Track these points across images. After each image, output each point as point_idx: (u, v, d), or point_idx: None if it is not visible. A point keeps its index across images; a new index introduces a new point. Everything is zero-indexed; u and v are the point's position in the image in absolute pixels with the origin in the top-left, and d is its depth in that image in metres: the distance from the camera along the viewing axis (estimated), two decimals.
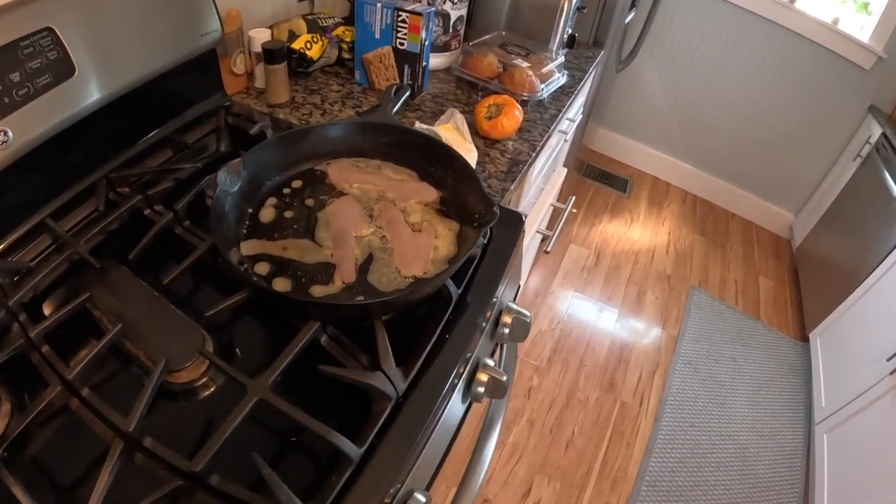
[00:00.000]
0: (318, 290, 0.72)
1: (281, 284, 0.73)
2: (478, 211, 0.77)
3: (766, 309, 2.57)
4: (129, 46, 0.88)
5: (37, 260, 0.83)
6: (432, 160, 0.89)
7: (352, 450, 0.60)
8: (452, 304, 0.75)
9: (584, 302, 2.49)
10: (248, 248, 0.76)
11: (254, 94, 1.22)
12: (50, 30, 0.76)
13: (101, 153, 0.95)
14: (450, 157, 0.86)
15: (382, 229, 0.80)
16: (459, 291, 0.77)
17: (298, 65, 1.25)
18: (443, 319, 0.74)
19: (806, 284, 2.58)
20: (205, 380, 0.70)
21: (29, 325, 0.70)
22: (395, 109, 0.97)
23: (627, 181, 3.16)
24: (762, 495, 1.89)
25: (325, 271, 0.75)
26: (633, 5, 2.13)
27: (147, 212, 0.87)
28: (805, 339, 2.40)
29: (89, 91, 0.84)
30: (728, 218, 3.05)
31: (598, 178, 3.13)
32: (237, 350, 0.74)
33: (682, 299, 2.54)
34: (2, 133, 0.73)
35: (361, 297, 0.71)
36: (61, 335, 0.71)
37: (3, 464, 0.58)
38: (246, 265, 0.74)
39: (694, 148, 3.02)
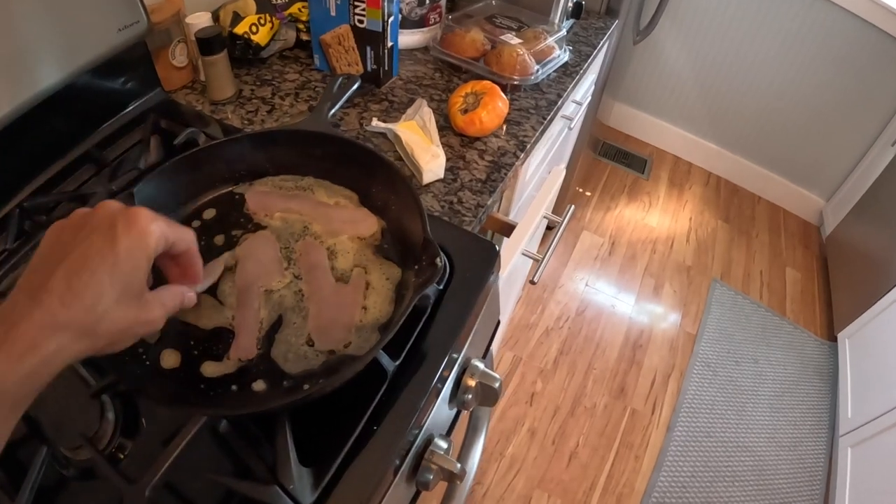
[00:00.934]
0: (209, 369, 0.56)
1: (168, 359, 0.56)
2: (419, 259, 0.59)
3: (793, 304, 2.38)
4: (30, 52, 0.71)
5: None
6: (374, 179, 0.70)
7: None
8: (387, 382, 0.58)
9: (595, 296, 2.31)
10: None
11: (199, 90, 1.04)
12: None
13: (15, 178, 0.81)
14: (392, 175, 0.67)
15: (300, 279, 0.62)
16: (397, 363, 0.59)
17: (244, 53, 1.05)
18: (372, 404, 0.57)
19: (836, 277, 2.38)
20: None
21: None
22: (333, 111, 0.78)
23: (646, 161, 2.94)
24: None
25: (224, 340, 0.58)
26: None
27: None
28: (833, 339, 2.22)
29: None
30: (754, 202, 2.83)
31: (615, 158, 2.92)
32: (143, 420, 0.60)
33: (702, 293, 2.35)
34: None
35: (262, 383, 0.55)
36: None
37: None
38: None
39: (718, 125, 2.80)
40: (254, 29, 1.03)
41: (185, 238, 0.47)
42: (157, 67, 0.97)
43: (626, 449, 1.85)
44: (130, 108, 0.94)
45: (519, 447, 1.81)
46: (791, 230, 2.71)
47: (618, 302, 2.30)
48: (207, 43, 0.93)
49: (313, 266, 0.62)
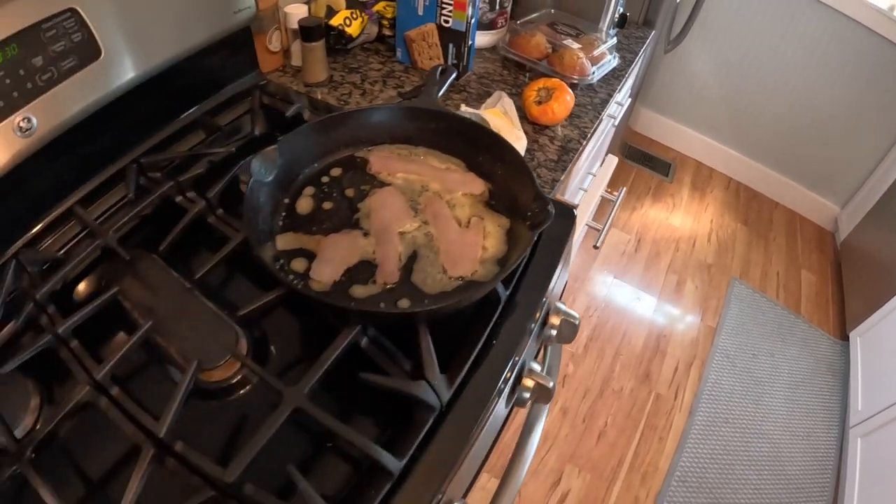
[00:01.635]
0: (358, 291, 0.68)
1: (319, 283, 0.69)
2: (531, 209, 0.72)
3: (808, 305, 2.49)
4: (158, 26, 0.84)
5: (65, 249, 0.82)
6: (480, 149, 0.83)
7: (392, 463, 0.57)
8: (500, 307, 0.71)
9: (622, 289, 2.43)
10: (285, 241, 0.72)
11: (290, 73, 1.18)
12: (73, 10, 0.73)
13: (131, 137, 0.93)
14: (499, 146, 0.81)
15: (428, 224, 0.75)
16: (508, 292, 0.73)
17: (336, 42, 1.19)
18: (490, 322, 0.70)
19: (849, 281, 2.48)
20: (238, 378, 0.67)
21: (57, 318, 0.69)
22: (440, 93, 0.92)
23: (670, 165, 3.06)
24: (792, 497, 1.84)
25: (367, 270, 0.71)
26: None
27: (179, 199, 0.84)
28: (845, 338, 2.32)
29: (117, 73, 0.81)
30: (772, 207, 2.94)
31: (641, 161, 3.04)
32: (272, 348, 0.72)
33: (722, 290, 2.47)
34: (25, 120, 0.71)
35: (406, 301, 0.67)
36: (90, 328, 0.69)
37: (31, 465, 0.57)
38: (282, 261, 0.70)
39: (740, 133, 2.92)
40: (347, 22, 1.17)
41: None
42: (256, 51, 1.10)
43: (651, 430, 1.96)
44: (233, 84, 1.07)
45: (551, 424, 1.92)
46: (807, 235, 2.82)
47: (643, 294, 2.42)
48: (309, 31, 1.07)
49: (437, 214, 0.76)
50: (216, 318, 0.69)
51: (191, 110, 1.00)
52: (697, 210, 2.84)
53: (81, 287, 0.77)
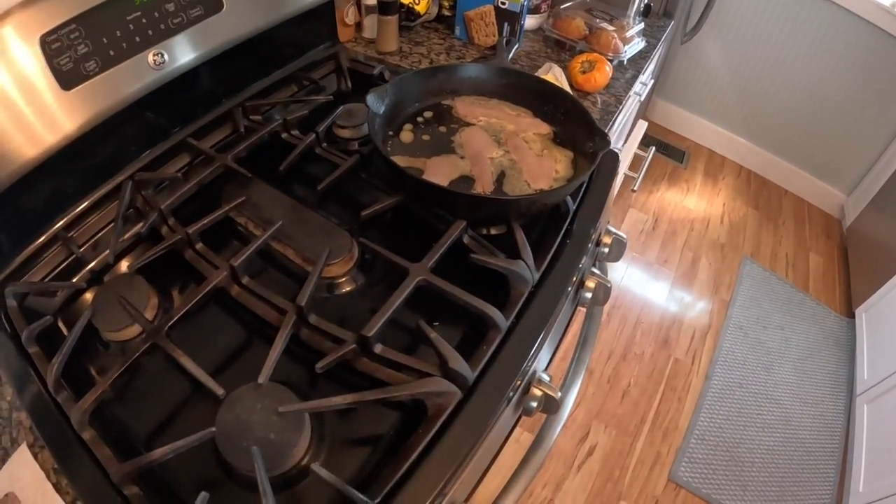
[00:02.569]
0: None
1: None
2: (591, 140, 0.89)
3: (815, 284, 2.60)
4: None
5: (182, 171, 0.95)
6: (545, 100, 1.01)
7: (501, 320, 0.71)
8: (570, 216, 0.88)
9: (641, 264, 2.57)
10: (396, 160, 0.88)
11: (362, 43, 1.36)
12: None
13: (235, 86, 1.08)
14: (562, 97, 0.99)
15: (510, 153, 0.92)
16: (575, 206, 0.90)
17: (406, 18, 1.37)
18: (563, 227, 0.86)
19: (855, 264, 2.58)
20: (346, 278, 0.80)
21: (179, 227, 0.81)
22: (509, 56, 1.09)
23: (684, 153, 3.20)
24: (802, 459, 1.94)
25: (467, 183, 0.87)
26: None
27: (285, 135, 1.00)
28: (851, 316, 2.41)
29: (233, 27, 0.96)
30: (781, 194, 3.07)
31: (656, 148, 3.13)
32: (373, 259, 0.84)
33: (734, 267, 2.60)
34: (159, 55, 0.83)
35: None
36: (210, 237, 0.81)
37: (168, 338, 0.67)
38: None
39: (750, 123, 3.04)
40: (416, 1, 1.35)
41: None
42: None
43: (671, 391, 2.09)
44: (315, 50, 1.24)
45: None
46: (815, 221, 2.93)
47: (661, 268, 2.56)
48: (387, 6, 1.25)
49: (517, 146, 0.93)
50: (328, 226, 0.83)
51: (280, 69, 1.16)
52: (710, 195, 2.97)
53: (198, 205, 0.87)
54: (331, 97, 1.08)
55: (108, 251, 0.80)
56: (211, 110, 1.04)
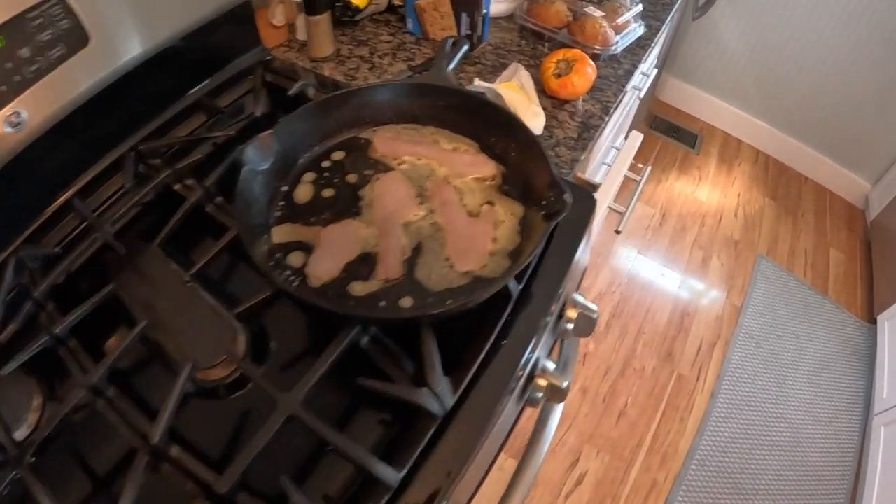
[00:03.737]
0: (357, 288, 0.64)
1: (316, 279, 0.65)
2: (546, 197, 0.66)
3: (835, 284, 2.41)
4: (148, 7, 0.81)
5: (64, 243, 0.80)
6: (492, 129, 0.77)
7: (389, 476, 0.54)
8: (512, 303, 0.66)
9: (646, 264, 2.38)
10: (281, 234, 0.68)
11: (296, 48, 1.12)
12: None
13: (130, 123, 0.90)
14: (512, 125, 0.75)
15: (434, 213, 0.70)
16: (521, 286, 0.67)
17: (343, 14, 1.13)
18: (500, 320, 0.65)
19: (878, 262, 2.40)
20: (237, 376, 0.64)
21: (57, 315, 0.68)
22: (450, 67, 0.85)
23: (697, 136, 2.96)
24: (811, 484, 1.81)
25: (368, 263, 0.66)
26: None
27: (177, 187, 0.81)
28: (872, 322, 2.24)
29: (108, 59, 0.78)
30: (801, 182, 2.84)
31: (667, 132, 2.95)
32: (272, 343, 0.69)
33: (748, 268, 2.39)
34: (14, 115, 0.68)
35: (408, 299, 0.62)
36: (92, 324, 0.69)
37: (31, 470, 0.57)
38: (279, 255, 0.66)
39: (770, 104, 2.80)
40: None
41: None
42: (258, 25, 1.04)
43: (672, 411, 1.92)
44: (235, 62, 1.02)
45: (571, 404, 1.89)
46: (836, 212, 2.73)
47: (667, 271, 2.36)
48: (312, 3, 1.01)
49: (445, 202, 0.70)
50: (214, 314, 0.66)
51: (191, 92, 0.96)
52: (725, 183, 2.75)
53: (82, 281, 0.75)
54: (232, 132, 0.86)
55: None
56: (101, 159, 0.86)
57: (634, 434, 1.86)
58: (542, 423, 0.84)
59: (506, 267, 0.64)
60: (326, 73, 1.07)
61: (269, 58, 1.05)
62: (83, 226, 0.80)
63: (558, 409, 0.85)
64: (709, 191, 2.71)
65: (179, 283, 0.69)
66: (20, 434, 0.62)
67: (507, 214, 0.70)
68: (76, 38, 0.72)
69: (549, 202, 0.64)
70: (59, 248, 0.78)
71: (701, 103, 3.02)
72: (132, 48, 0.79)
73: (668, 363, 2.06)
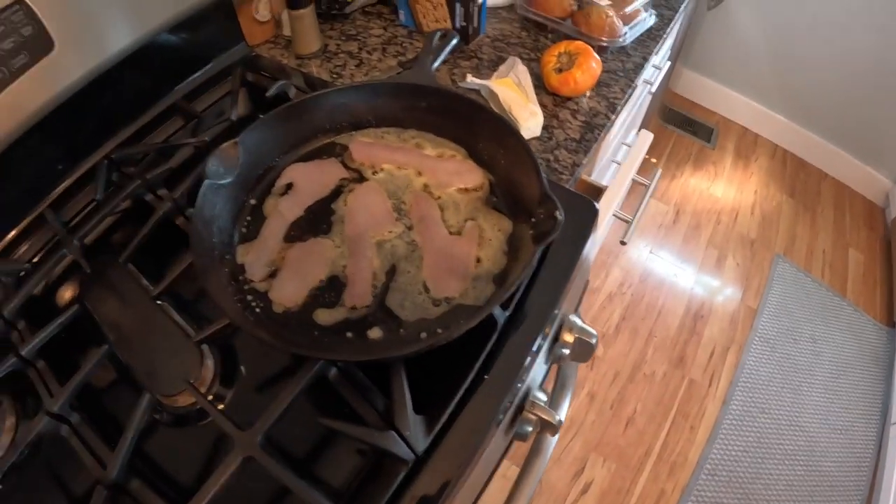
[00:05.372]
0: (322, 316, 0.57)
1: (280, 306, 0.58)
2: (536, 213, 0.59)
3: (854, 286, 2.31)
4: (119, 6, 0.75)
5: (38, 256, 0.77)
6: (480, 132, 0.70)
7: None
8: (496, 333, 0.59)
9: (658, 264, 2.29)
10: (244, 254, 0.60)
11: (282, 44, 1.05)
12: (20, 2, 0.65)
13: (102, 130, 0.85)
14: (500, 129, 0.67)
15: (412, 230, 0.63)
16: (508, 314, 0.60)
17: (331, 7, 1.05)
18: (484, 350, 0.58)
19: None
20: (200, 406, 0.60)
21: (27, 334, 0.66)
22: (436, 63, 0.78)
23: (713, 130, 2.86)
24: (825, 494, 1.74)
25: (335, 287, 0.60)
26: None
27: (149, 197, 0.75)
28: (892, 325, 2.16)
29: (75, 64, 0.73)
30: (820, 178, 2.73)
31: (681, 125, 2.84)
32: (242, 368, 0.63)
33: (764, 268, 2.30)
34: None
35: (378, 330, 0.56)
36: (62, 343, 0.66)
37: None
38: (241, 277, 0.59)
39: (788, 97, 2.70)
40: None
41: None
42: (241, 22, 0.97)
43: (683, 418, 1.85)
44: (215, 62, 0.96)
45: (577, 410, 1.82)
46: (856, 210, 2.62)
47: (680, 271, 2.27)
48: None
49: (424, 217, 0.63)
50: (180, 337, 0.62)
51: (167, 95, 0.90)
52: (741, 179, 2.65)
53: (53, 297, 0.72)
54: (205, 139, 0.79)
55: None
56: (74, 169, 0.81)
57: (643, 442, 1.80)
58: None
59: (489, 293, 0.57)
60: (313, 70, 1.00)
61: (253, 55, 0.99)
62: (55, 240, 0.76)
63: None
64: (724, 187, 2.61)
65: (147, 302, 0.65)
66: None
67: (493, 231, 0.63)
68: (40, 45, 0.68)
69: (539, 220, 0.57)
70: (28, 264, 0.74)
71: (717, 96, 2.91)
72: (101, 51, 0.75)
73: (679, 368, 1.98)
